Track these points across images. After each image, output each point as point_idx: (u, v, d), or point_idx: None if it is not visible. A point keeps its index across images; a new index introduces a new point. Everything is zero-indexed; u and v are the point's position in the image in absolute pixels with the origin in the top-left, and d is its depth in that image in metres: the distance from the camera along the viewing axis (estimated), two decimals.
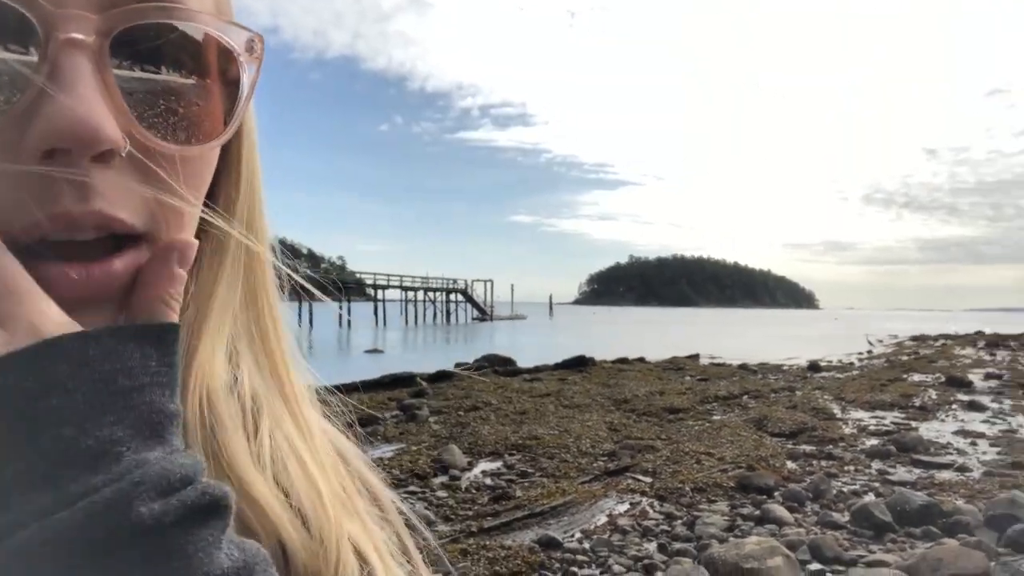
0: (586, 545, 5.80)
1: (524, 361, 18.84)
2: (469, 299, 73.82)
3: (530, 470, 8.07)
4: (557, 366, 18.36)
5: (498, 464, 8.44)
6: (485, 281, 77.49)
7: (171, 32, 0.39)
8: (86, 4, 0.36)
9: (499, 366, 18.07)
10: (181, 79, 0.40)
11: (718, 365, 21.22)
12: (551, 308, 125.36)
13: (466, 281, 74.39)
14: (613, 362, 19.95)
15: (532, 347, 27.24)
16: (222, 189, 0.48)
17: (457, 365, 17.96)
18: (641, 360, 20.93)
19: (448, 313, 69.60)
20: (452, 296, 72.20)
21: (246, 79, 0.43)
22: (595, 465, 8.26)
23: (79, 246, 0.37)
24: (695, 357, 23.00)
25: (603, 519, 6.48)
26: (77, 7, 0.36)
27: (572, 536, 6.00)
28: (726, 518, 6.41)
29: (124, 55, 0.37)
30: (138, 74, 0.38)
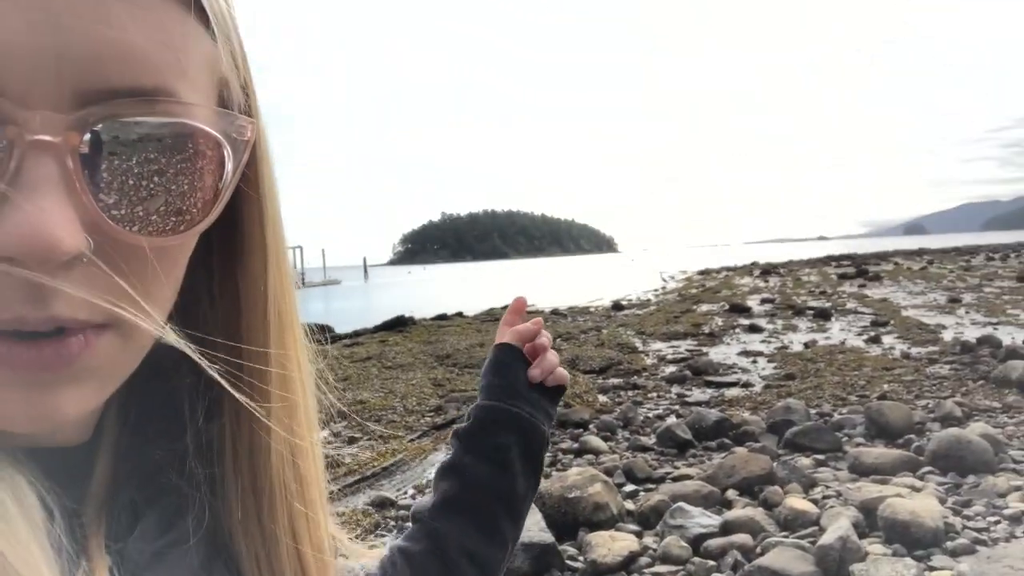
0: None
1: (342, 327, 18.42)
2: None
3: (358, 435, 8.02)
4: (377, 328, 18.16)
5: (324, 434, 8.25)
6: (293, 248, 74.04)
7: (151, 126, 0.38)
8: (58, 101, 0.34)
9: (316, 335, 17.52)
10: (161, 169, 0.39)
11: (532, 312, 21.92)
12: (366, 270, 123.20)
13: None
14: (432, 319, 20.10)
15: (349, 311, 26.71)
16: (243, 240, 0.51)
17: None
18: (460, 315, 21.27)
19: None
20: None
21: (230, 166, 0.42)
22: (423, 421, 8.37)
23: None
24: None
25: (434, 473, 6.61)
26: (49, 107, 0.34)
27: (406, 493, 6.09)
28: (549, 454, 6.80)
29: (99, 148, 0.36)
30: (114, 165, 0.37)
